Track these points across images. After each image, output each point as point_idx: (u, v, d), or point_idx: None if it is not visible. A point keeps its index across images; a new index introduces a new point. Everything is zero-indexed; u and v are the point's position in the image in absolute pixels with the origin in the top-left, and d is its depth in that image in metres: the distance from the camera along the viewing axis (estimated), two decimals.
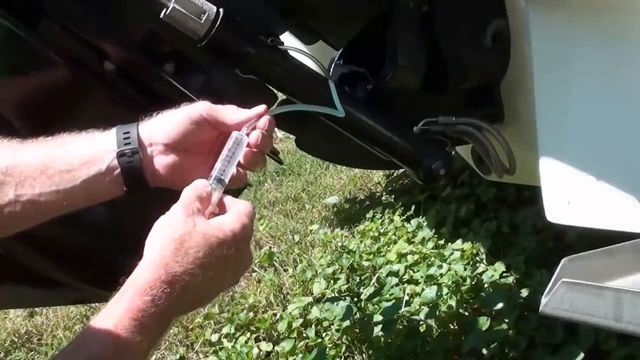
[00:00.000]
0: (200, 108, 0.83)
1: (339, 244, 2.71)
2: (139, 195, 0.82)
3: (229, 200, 0.79)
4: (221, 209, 0.78)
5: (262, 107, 0.86)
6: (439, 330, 1.96)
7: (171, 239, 0.70)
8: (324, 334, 2.15)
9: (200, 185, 0.77)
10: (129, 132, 0.81)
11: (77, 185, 0.79)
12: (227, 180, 0.81)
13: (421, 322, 1.99)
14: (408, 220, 2.68)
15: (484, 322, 1.83)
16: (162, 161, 0.82)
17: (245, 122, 0.84)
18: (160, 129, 0.82)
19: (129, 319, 0.67)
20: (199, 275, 0.69)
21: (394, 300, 2.08)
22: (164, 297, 0.68)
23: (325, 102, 1.17)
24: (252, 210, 0.77)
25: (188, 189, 0.76)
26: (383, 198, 3.02)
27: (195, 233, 0.70)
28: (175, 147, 0.82)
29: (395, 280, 2.22)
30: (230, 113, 0.84)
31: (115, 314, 0.67)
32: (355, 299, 2.17)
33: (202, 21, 1.04)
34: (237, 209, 0.76)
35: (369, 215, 2.90)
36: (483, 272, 2.10)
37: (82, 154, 0.80)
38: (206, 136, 0.84)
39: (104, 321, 0.67)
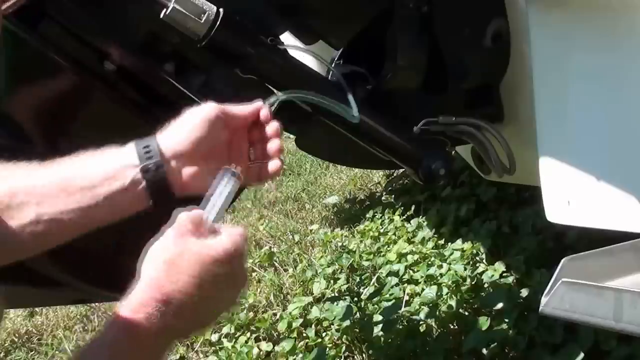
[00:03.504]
0: (213, 107, 0.83)
1: (339, 244, 2.71)
2: (163, 208, 0.80)
3: (221, 226, 0.78)
4: (214, 233, 0.76)
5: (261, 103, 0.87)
6: (439, 330, 1.96)
7: (163, 260, 0.70)
8: (324, 334, 2.15)
9: (195, 212, 0.76)
10: (149, 146, 0.80)
11: (99, 202, 0.78)
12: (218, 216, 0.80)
13: (421, 322, 1.99)
14: (408, 220, 2.68)
15: (484, 322, 1.83)
16: (188, 171, 0.81)
17: (254, 112, 0.85)
18: (181, 139, 0.81)
19: (125, 339, 0.67)
20: (194, 295, 0.69)
21: (394, 300, 2.08)
22: (159, 316, 0.67)
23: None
24: (245, 233, 0.76)
25: (182, 213, 0.75)
26: (383, 198, 3.02)
27: (188, 253, 0.70)
28: (198, 154, 0.82)
29: (395, 280, 2.22)
30: (239, 107, 0.86)
31: (110, 336, 0.68)
32: (355, 299, 2.17)
33: (202, 21, 1.04)
34: (231, 231, 0.75)
35: (369, 215, 2.90)
36: (483, 272, 2.10)
37: (102, 171, 0.79)
38: (222, 137, 0.84)
39: (101, 344, 0.68)
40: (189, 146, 0.81)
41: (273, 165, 0.86)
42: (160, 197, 0.80)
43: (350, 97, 1.13)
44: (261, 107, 0.87)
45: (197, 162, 0.82)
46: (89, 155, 0.81)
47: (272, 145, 0.86)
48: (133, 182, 0.79)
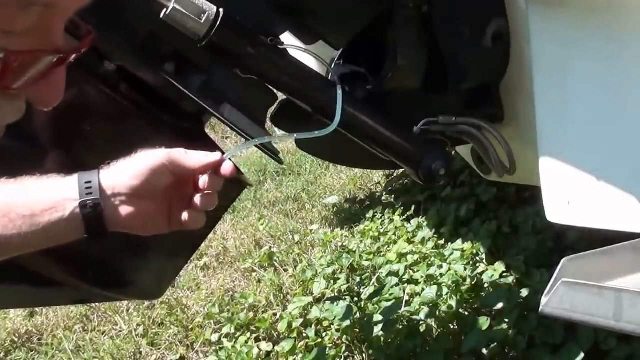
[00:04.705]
0: (162, 157, 0.86)
1: (339, 244, 2.71)
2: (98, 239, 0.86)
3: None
4: None
5: (218, 154, 0.88)
6: (439, 330, 1.96)
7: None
8: (324, 334, 2.15)
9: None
10: (90, 182, 0.83)
11: (38, 230, 0.81)
12: None
13: (421, 322, 1.99)
14: (408, 220, 2.68)
15: (484, 322, 1.83)
16: (124, 211, 0.85)
17: (205, 167, 0.86)
18: (122, 179, 0.85)
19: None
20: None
21: (394, 300, 2.08)
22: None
23: (324, 102, 1.17)
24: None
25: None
26: (383, 198, 3.02)
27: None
28: (137, 196, 0.85)
29: (395, 280, 2.22)
30: (189, 159, 0.87)
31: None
32: (355, 299, 2.17)
33: (202, 21, 1.04)
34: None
35: (369, 215, 2.90)
36: (483, 272, 2.10)
37: (44, 200, 0.82)
38: (164, 183, 0.86)
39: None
40: (128, 189, 0.84)
41: (189, 216, 0.88)
42: (95, 232, 0.84)
43: (339, 107, 1.12)
44: (215, 161, 0.87)
45: (134, 203, 0.85)
46: (33, 182, 0.85)
47: (203, 200, 0.88)
48: (71, 215, 0.82)
